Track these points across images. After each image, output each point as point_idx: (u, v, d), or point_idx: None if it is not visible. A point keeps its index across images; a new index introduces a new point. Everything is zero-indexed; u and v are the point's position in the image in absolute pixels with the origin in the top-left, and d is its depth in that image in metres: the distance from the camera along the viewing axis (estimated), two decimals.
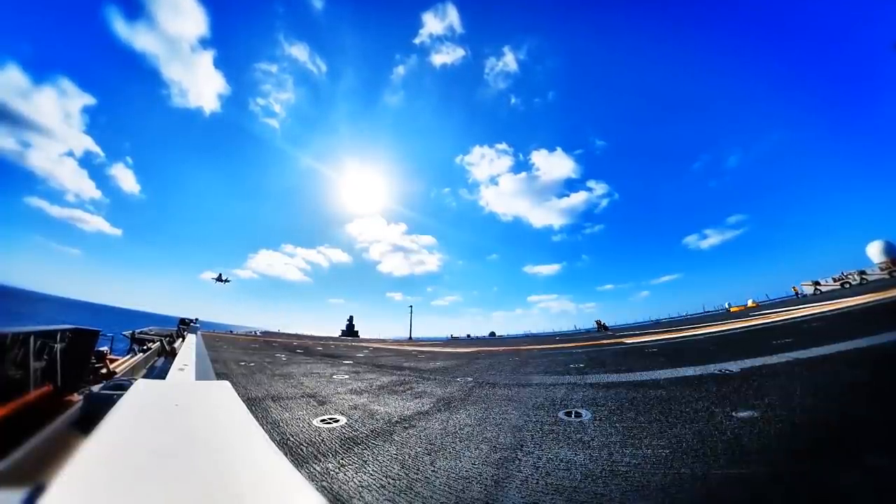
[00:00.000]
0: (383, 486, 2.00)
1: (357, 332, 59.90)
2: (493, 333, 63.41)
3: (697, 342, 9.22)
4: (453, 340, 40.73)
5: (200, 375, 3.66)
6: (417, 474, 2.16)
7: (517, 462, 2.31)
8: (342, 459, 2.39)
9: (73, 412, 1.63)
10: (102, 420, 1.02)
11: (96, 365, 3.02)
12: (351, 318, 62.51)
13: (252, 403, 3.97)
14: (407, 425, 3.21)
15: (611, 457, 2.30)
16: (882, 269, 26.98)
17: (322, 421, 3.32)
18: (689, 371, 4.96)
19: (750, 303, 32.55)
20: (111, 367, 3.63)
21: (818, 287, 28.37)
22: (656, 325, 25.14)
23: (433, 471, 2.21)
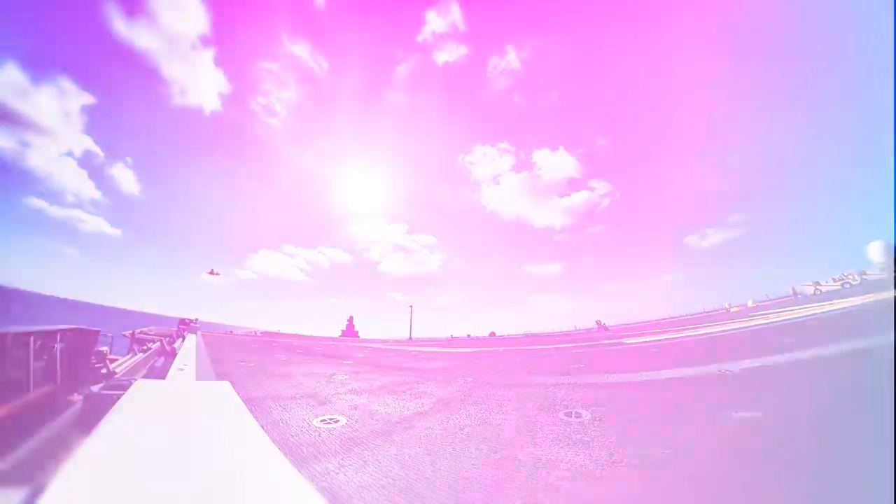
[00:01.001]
0: (383, 487, 2.00)
1: (357, 332, 59.88)
2: (493, 333, 63.32)
3: (697, 342, 9.22)
4: (453, 340, 40.66)
5: (200, 375, 3.66)
6: (417, 475, 2.16)
7: (517, 462, 2.31)
8: (342, 460, 2.39)
9: (73, 412, 1.63)
10: (102, 420, 1.03)
11: (96, 365, 3.02)
12: (351, 318, 62.55)
13: (252, 403, 3.96)
14: (407, 426, 3.21)
15: (611, 457, 2.30)
16: (882, 269, 26.97)
17: (322, 421, 3.32)
18: (690, 371, 4.96)
19: (750, 303, 32.51)
20: (111, 367, 3.62)
21: (818, 287, 28.32)
22: (656, 326, 25.11)
23: (433, 471, 2.21)
